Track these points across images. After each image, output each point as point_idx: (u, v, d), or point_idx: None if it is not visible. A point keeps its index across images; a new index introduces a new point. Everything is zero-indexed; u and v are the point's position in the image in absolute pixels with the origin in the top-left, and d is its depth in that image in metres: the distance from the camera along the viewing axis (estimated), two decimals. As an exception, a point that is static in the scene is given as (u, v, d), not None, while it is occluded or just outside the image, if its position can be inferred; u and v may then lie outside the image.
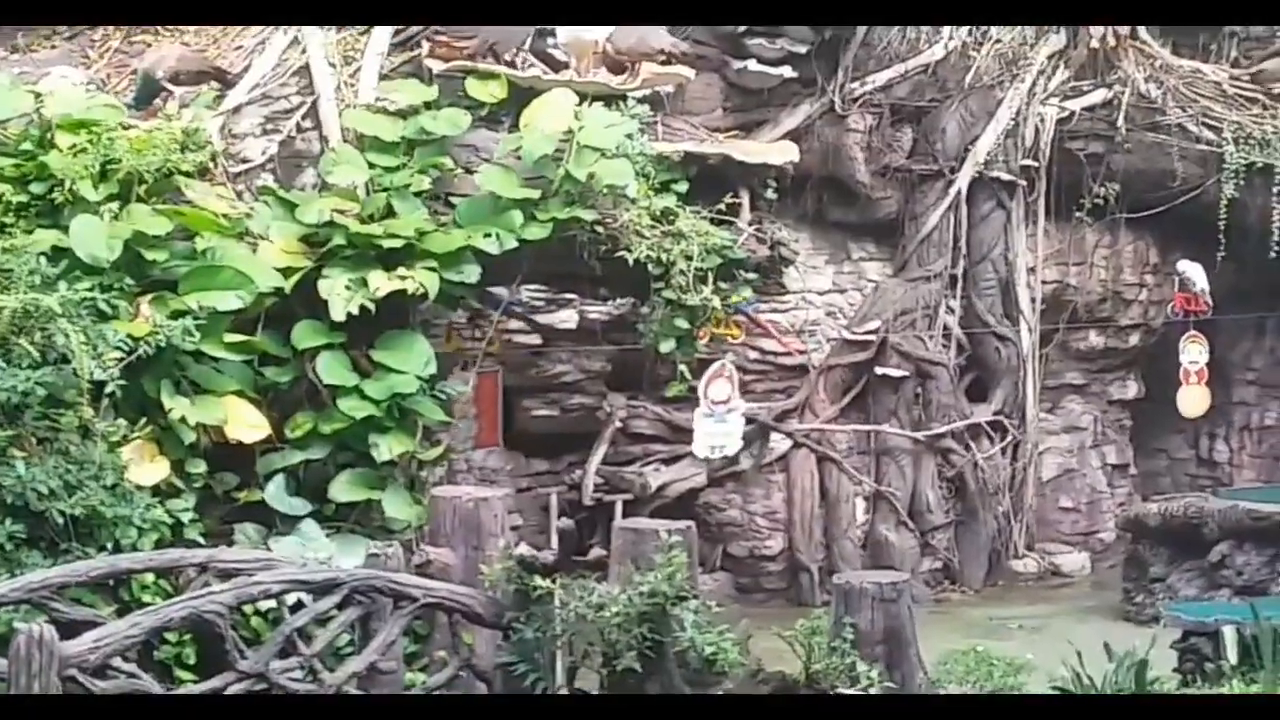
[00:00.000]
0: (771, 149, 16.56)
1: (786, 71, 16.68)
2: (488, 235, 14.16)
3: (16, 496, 11.23)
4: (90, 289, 12.04)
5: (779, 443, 17.15)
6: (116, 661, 10.16)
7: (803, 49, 16.61)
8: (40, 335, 11.71)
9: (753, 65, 16.55)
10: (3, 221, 12.40)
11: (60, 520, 11.38)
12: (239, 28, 14.87)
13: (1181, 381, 18.42)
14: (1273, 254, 17.66)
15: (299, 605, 10.57)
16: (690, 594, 9.97)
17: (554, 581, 10.27)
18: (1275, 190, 17.68)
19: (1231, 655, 10.99)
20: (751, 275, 16.05)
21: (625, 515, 15.19)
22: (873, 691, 10.21)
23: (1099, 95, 17.98)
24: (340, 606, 10.46)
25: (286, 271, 13.50)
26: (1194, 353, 18.37)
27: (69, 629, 10.04)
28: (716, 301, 15.49)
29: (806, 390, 17.27)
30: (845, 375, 17.46)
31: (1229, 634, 11.14)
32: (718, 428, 15.91)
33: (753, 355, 16.98)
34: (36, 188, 12.74)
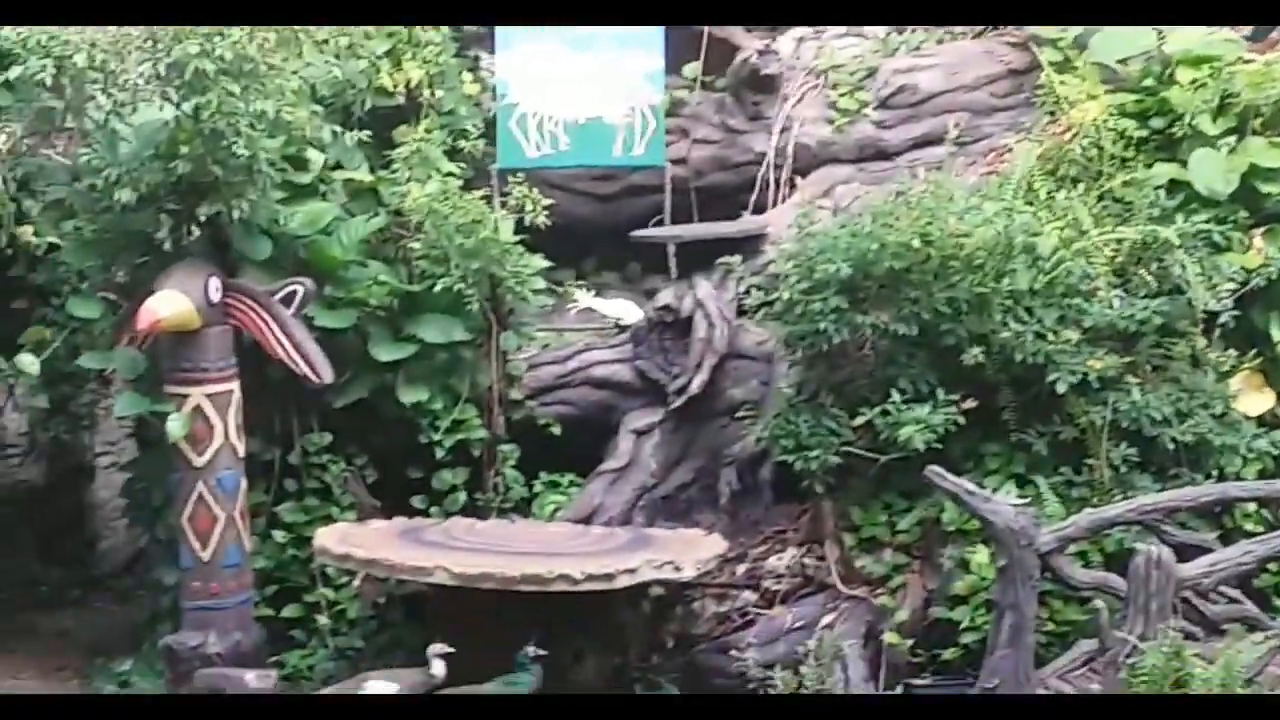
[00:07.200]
0: None
1: None
2: None
3: (1131, 421, 11.62)
4: (1206, 221, 12.23)
5: None
6: (1222, 587, 10.57)
7: None
8: (1157, 266, 12.08)
9: None
10: (1124, 156, 12.72)
11: (1170, 446, 11.66)
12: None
13: None
14: None
15: None
16: None
17: None
18: None
19: None
20: None
21: None
22: None
23: None
24: None
25: None
26: None
27: (1176, 551, 10.43)
28: None
29: None
30: None
31: None
32: None
33: None
34: (1156, 122, 12.97)
